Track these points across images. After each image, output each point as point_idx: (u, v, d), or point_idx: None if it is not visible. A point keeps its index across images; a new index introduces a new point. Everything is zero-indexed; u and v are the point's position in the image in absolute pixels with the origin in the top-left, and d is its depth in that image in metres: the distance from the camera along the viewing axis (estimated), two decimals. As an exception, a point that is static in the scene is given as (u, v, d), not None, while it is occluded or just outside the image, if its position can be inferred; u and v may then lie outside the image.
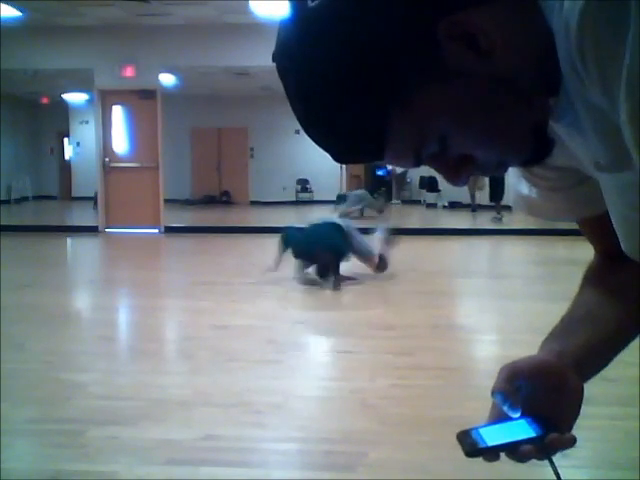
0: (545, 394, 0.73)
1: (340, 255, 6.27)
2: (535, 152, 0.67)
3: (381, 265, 6.53)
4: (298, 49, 0.62)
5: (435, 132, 0.63)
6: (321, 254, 6.10)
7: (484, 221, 12.52)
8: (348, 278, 6.49)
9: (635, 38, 0.50)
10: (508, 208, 13.18)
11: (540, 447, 0.70)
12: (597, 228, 0.84)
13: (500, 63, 0.60)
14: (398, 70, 0.60)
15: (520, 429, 0.71)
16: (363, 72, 0.60)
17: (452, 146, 0.64)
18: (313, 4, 0.60)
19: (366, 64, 0.60)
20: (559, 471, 0.72)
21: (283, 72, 0.65)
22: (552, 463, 0.71)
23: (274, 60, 0.65)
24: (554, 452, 0.71)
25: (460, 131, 0.63)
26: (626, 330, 0.82)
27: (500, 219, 12.56)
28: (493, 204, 13.07)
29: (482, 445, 0.70)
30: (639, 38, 0.50)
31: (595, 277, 0.88)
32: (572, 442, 0.71)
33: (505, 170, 0.71)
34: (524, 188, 0.85)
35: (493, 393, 0.73)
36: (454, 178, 0.68)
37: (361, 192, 13.67)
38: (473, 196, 14.05)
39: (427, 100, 0.61)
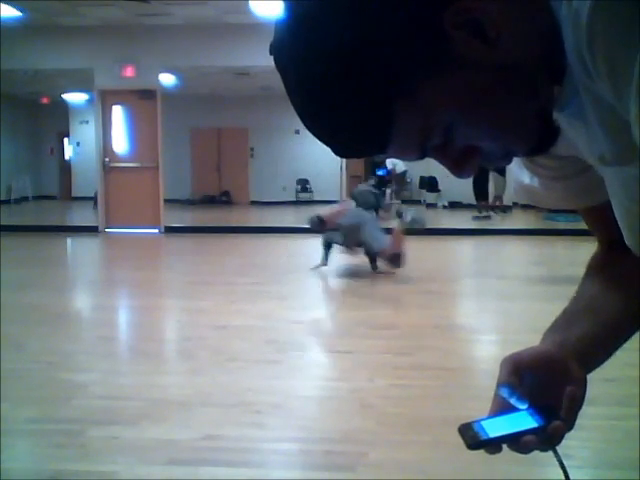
0: (547, 385, 0.73)
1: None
2: (541, 140, 0.66)
3: (392, 261, 6.56)
4: (297, 42, 0.60)
5: (441, 123, 0.62)
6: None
7: (485, 222, 12.52)
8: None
9: None
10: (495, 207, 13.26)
11: (543, 437, 0.70)
12: (599, 217, 0.84)
13: (506, 51, 0.60)
14: (402, 60, 0.59)
15: (522, 420, 0.71)
16: (366, 64, 0.58)
17: (458, 137, 0.63)
18: None
19: (369, 55, 0.58)
20: (563, 460, 0.71)
21: (282, 66, 0.63)
22: (556, 452, 0.71)
23: (272, 53, 0.63)
24: (557, 441, 0.70)
25: (466, 121, 0.62)
26: (629, 320, 0.81)
27: (482, 218, 12.55)
28: (497, 203, 13.07)
29: (484, 437, 0.70)
30: None
31: (598, 267, 0.87)
32: (571, 426, 0.71)
33: (510, 160, 0.70)
34: (526, 177, 0.85)
35: (499, 386, 0.73)
36: (459, 170, 0.66)
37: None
38: (496, 197, 13.96)
39: (433, 90, 0.60)
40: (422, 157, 0.66)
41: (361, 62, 0.58)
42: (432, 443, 2.68)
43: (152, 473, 2.46)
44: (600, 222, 0.85)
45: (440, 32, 0.58)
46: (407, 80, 0.59)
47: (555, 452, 0.71)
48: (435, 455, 2.57)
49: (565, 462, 0.71)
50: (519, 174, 0.86)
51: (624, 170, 0.64)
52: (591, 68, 0.56)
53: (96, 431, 2.85)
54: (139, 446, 2.69)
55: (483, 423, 0.71)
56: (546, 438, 0.70)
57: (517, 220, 13.22)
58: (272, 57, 0.63)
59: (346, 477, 2.45)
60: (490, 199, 13.57)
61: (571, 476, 0.73)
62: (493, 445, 0.70)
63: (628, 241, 0.74)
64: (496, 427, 0.71)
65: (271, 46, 0.63)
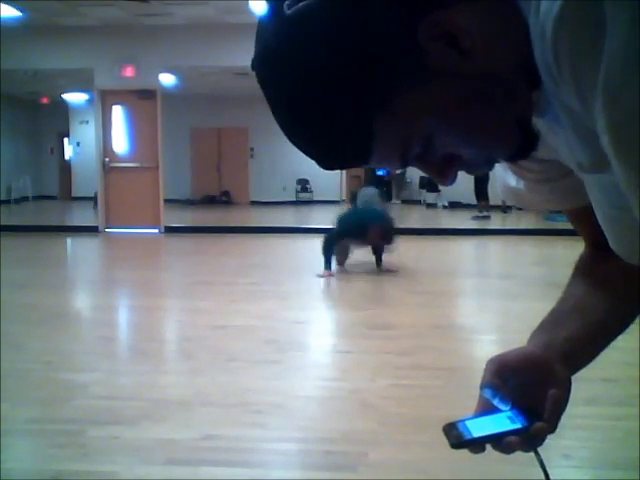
0: (531, 386, 0.73)
1: (390, 228, 6.82)
2: (521, 146, 0.67)
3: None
4: (277, 58, 0.62)
5: (421, 133, 0.63)
6: (373, 227, 6.59)
7: (485, 222, 12.51)
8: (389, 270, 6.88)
9: (611, 47, 0.50)
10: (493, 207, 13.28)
11: (525, 438, 0.70)
12: (585, 219, 0.84)
13: (482, 61, 0.61)
14: (381, 73, 0.60)
15: (506, 421, 0.72)
16: (345, 78, 0.60)
17: (438, 145, 0.64)
18: (290, 12, 0.60)
19: (347, 70, 0.59)
20: (544, 461, 0.72)
21: (263, 81, 0.64)
22: (537, 454, 0.72)
23: (253, 68, 0.64)
24: (539, 443, 0.71)
25: (445, 130, 0.63)
26: (614, 321, 0.82)
27: (482, 217, 12.55)
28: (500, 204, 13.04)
29: (467, 437, 0.71)
30: (615, 47, 0.50)
31: (584, 268, 0.88)
32: (553, 428, 0.71)
33: (492, 167, 0.71)
34: (511, 180, 0.86)
35: (482, 387, 0.74)
36: (442, 178, 0.68)
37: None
38: None
39: (411, 101, 0.61)
40: (405, 166, 0.67)
41: (340, 77, 0.60)
42: (432, 443, 2.68)
43: (152, 473, 2.46)
44: (586, 223, 0.85)
45: (416, 45, 0.59)
46: (385, 93, 0.61)
47: (537, 453, 0.72)
48: (435, 455, 2.57)
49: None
50: (505, 177, 0.87)
51: (602, 177, 0.65)
52: (557, 79, 0.57)
53: (96, 431, 2.85)
54: (139, 446, 2.69)
55: (467, 423, 0.72)
56: (529, 439, 0.70)
57: (517, 220, 13.22)
58: (254, 72, 0.64)
59: (346, 477, 2.45)
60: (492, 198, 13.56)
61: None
62: (476, 445, 0.71)
63: (612, 246, 0.75)
64: (480, 427, 0.71)
65: (253, 62, 0.64)
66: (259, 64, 0.64)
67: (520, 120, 0.65)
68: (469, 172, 0.70)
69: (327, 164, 0.67)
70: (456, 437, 0.71)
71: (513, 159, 0.72)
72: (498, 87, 0.62)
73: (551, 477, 0.73)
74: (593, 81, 0.52)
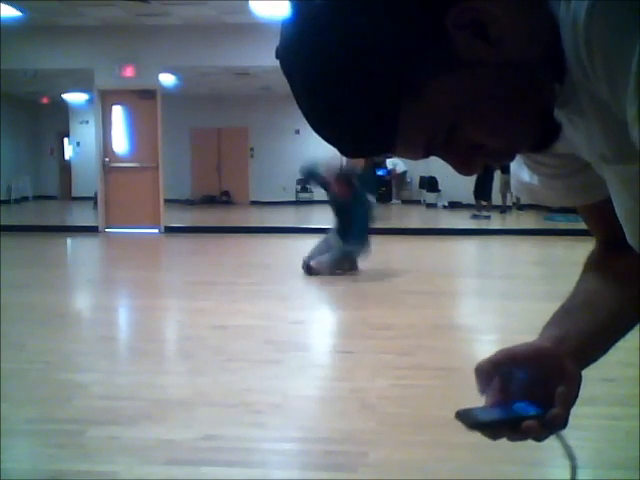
0: (541, 380, 0.73)
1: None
2: (543, 137, 0.67)
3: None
4: (303, 44, 0.61)
5: (446, 122, 0.63)
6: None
7: (485, 222, 12.51)
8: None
9: None
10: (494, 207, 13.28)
11: (543, 423, 0.69)
12: (597, 215, 0.84)
13: (508, 50, 0.60)
14: (406, 62, 0.59)
15: (519, 409, 0.71)
16: (371, 65, 0.59)
17: (462, 135, 0.64)
18: None
19: (374, 57, 0.59)
20: (569, 443, 0.71)
21: (288, 69, 0.64)
22: (561, 438, 0.71)
23: (277, 56, 0.64)
24: (557, 428, 0.70)
25: (469, 120, 0.63)
26: (625, 317, 0.82)
27: (482, 217, 12.56)
28: (501, 203, 13.01)
29: (486, 419, 0.70)
30: None
31: (596, 264, 0.88)
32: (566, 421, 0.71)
33: (513, 157, 0.70)
34: (525, 175, 0.85)
35: (476, 369, 0.74)
36: (465, 168, 0.67)
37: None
38: (505, 196, 13.93)
39: (437, 90, 0.61)
40: (427, 156, 0.67)
41: (365, 64, 0.59)
42: (432, 443, 2.68)
43: (152, 473, 2.46)
44: (598, 220, 0.86)
45: (443, 33, 0.59)
46: (411, 81, 0.60)
47: (560, 437, 0.71)
48: (435, 455, 2.57)
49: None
50: (519, 172, 0.87)
51: (626, 169, 0.65)
52: (589, 69, 0.57)
53: (96, 431, 2.85)
54: (139, 446, 2.69)
55: (480, 410, 0.72)
56: (547, 424, 0.70)
57: (516, 220, 13.23)
58: (278, 61, 0.64)
59: (346, 477, 2.45)
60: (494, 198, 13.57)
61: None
62: (494, 429, 0.71)
63: (630, 240, 0.74)
64: (495, 413, 0.71)
65: (277, 50, 0.64)
66: (284, 51, 0.63)
67: (543, 111, 0.65)
68: (492, 163, 0.70)
69: (350, 152, 0.67)
70: (474, 418, 0.70)
71: (535, 150, 0.71)
72: (523, 77, 0.62)
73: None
74: (625, 71, 0.52)
